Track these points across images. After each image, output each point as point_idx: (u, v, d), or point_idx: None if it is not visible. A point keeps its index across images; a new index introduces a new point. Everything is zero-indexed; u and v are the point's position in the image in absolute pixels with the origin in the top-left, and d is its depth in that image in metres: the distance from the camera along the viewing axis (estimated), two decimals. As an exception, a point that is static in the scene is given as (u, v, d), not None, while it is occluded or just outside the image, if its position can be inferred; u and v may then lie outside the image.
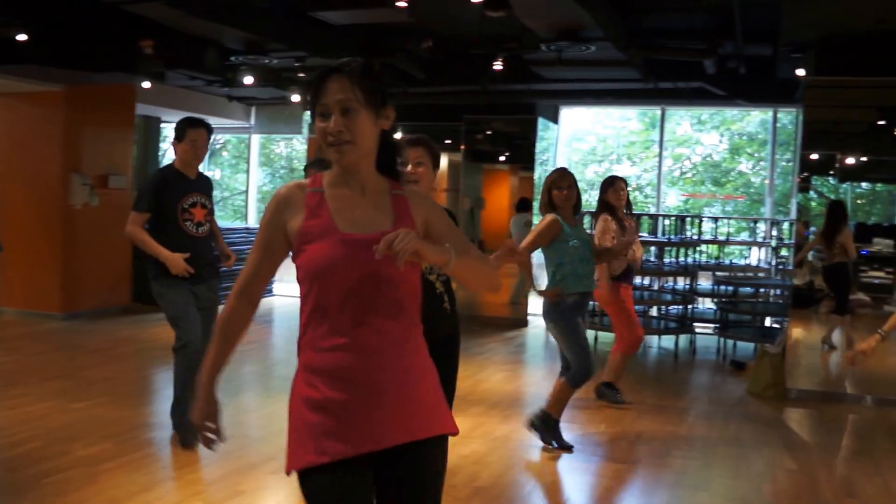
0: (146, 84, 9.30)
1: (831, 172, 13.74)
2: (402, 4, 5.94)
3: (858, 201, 16.23)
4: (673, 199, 15.14)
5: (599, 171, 14.35)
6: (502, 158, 11.69)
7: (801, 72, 7.64)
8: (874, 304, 11.68)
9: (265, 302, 12.01)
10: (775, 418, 6.69)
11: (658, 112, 11.87)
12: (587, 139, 14.48)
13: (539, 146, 11.52)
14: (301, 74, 8.95)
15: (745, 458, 5.46)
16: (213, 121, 13.03)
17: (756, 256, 11.04)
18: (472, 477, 4.95)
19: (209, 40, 7.88)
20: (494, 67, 8.01)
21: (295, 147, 16.58)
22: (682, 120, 14.28)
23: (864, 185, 15.45)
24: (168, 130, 12.84)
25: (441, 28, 7.75)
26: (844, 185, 15.24)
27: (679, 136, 14.46)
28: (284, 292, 12.95)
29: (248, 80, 8.70)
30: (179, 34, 7.79)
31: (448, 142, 11.53)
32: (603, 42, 7.26)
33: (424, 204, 2.26)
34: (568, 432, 5.62)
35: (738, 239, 11.12)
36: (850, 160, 12.25)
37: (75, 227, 9.68)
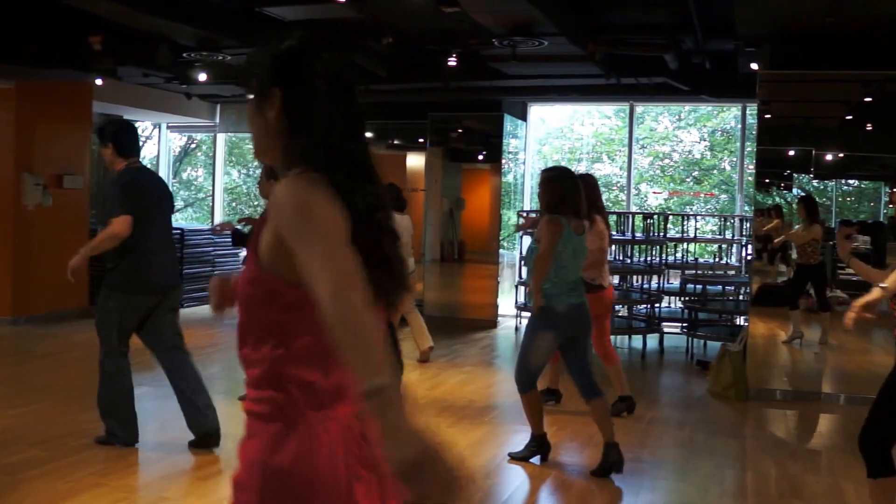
0: (98, 81, 9.32)
1: (812, 169, 13.86)
2: (341, 0, 5.96)
3: (848, 199, 16.32)
4: (654, 199, 15.20)
5: (579, 168, 14.39)
6: (480, 157, 11.68)
7: (755, 66, 7.70)
8: (851, 301, 11.75)
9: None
10: (733, 419, 6.74)
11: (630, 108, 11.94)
12: (567, 137, 14.52)
13: (512, 144, 11.56)
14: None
15: (694, 460, 5.49)
16: (175, 119, 13.19)
17: (737, 254, 11.10)
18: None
19: (160, 36, 7.89)
20: (449, 63, 8.04)
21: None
22: (660, 117, 14.34)
23: (852, 182, 15.54)
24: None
25: (398, 24, 7.78)
26: (830, 183, 15.32)
27: (659, 133, 14.52)
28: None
29: (202, 76, 8.72)
30: (130, 30, 7.80)
31: (420, 140, 11.58)
32: (559, 37, 7.29)
33: (277, 213, 1.68)
34: (516, 434, 5.68)
35: (709, 237, 11.17)
36: (829, 156, 12.32)
37: (27, 229, 9.64)
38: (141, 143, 5.46)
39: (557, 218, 5.05)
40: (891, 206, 9.02)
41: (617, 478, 5.06)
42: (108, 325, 5.15)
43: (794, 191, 14.46)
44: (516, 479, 5.09)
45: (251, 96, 1.82)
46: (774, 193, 14.12)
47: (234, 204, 18.07)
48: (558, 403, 6.79)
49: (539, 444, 5.34)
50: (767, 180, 13.61)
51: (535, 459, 5.35)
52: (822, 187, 14.93)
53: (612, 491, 4.88)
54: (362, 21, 7.49)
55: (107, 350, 5.20)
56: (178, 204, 17.29)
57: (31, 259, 9.63)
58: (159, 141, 14.21)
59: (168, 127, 14.12)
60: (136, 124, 13.95)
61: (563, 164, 14.79)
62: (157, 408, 6.07)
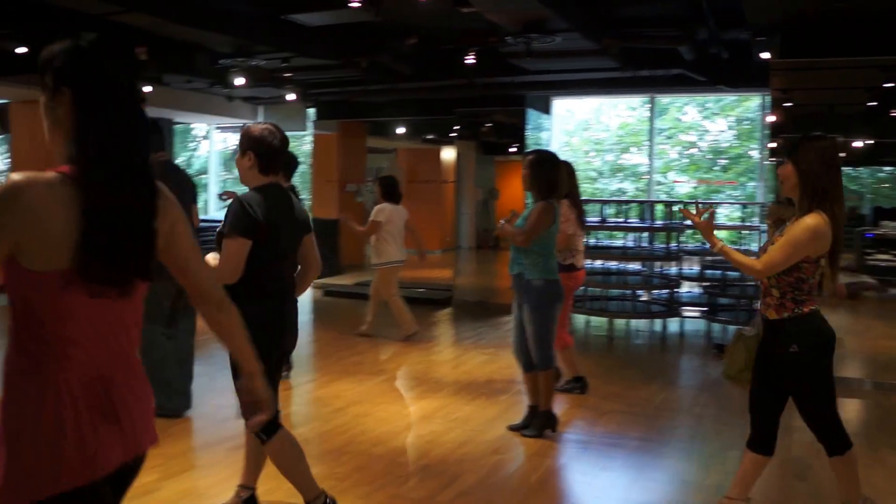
0: (147, 88, 9.77)
1: (842, 156, 13.76)
2: (355, 5, 6.23)
3: (884, 185, 16.12)
4: (684, 188, 15.18)
5: (609, 159, 14.51)
6: (512, 150, 11.91)
7: (766, 55, 7.74)
8: (881, 286, 11.68)
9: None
10: (745, 401, 6.67)
11: (658, 100, 12.03)
12: (593, 128, 14.62)
13: (537, 137, 11.77)
14: (288, 74, 9.37)
15: (701, 441, 5.54)
16: (221, 121, 13.66)
17: (758, 241, 11.12)
18: (421, 455, 5.16)
19: (199, 45, 8.29)
20: (468, 61, 8.27)
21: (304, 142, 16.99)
22: (686, 107, 14.34)
23: (887, 168, 15.34)
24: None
25: (417, 25, 8.02)
26: (862, 169, 15.15)
27: (685, 123, 14.52)
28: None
29: (240, 80, 9.09)
30: (171, 41, 8.22)
31: (453, 134, 11.86)
32: (571, 32, 7.47)
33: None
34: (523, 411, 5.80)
35: (729, 224, 11.19)
36: (857, 143, 12.26)
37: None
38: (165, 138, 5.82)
39: (552, 206, 5.23)
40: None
41: (621, 456, 5.17)
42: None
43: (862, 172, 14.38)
44: (523, 454, 5.20)
45: (43, 92, 1.93)
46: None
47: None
48: (583, 393, 6.73)
49: (548, 419, 5.51)
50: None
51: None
52: (854, 174, 14.81)
53: (617, 468, 4.96)
54: (385, 24, 7.76)
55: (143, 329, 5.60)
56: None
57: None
58: (209, 141, 14.74)
59: (216, 128, 14.62)
60: (191, 126, 14.56)
61: (592, 154, 14.98)
62: (206, 382, 6.32)
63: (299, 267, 3.98)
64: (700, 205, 4.40)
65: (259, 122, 3.89)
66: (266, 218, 3.59)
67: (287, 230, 3.75)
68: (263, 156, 3.73)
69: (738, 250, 3.96)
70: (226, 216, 3.63)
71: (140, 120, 1.95)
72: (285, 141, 3.84)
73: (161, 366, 5.57)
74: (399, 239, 8.60)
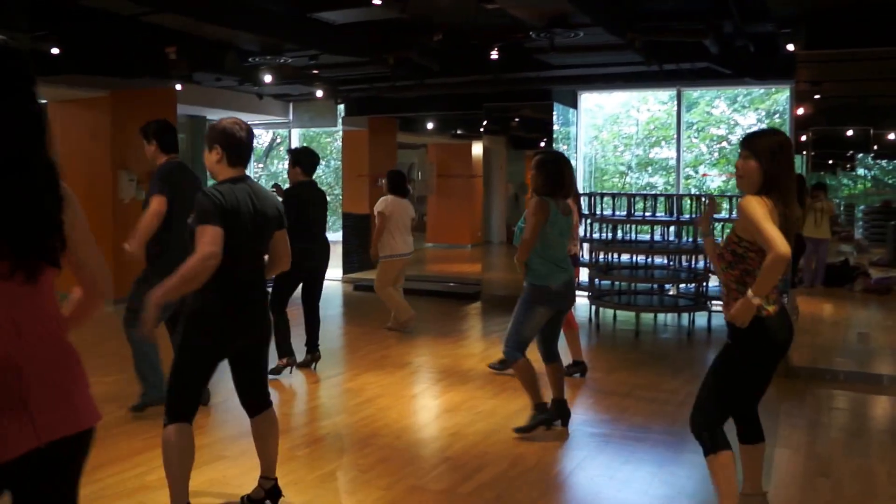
0: (178, 86, 9.92)
1: (874, 148, 13.48)
2: (378, 2, 6.25)
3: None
4: (715, 181, 15.03)
5: (638, 153, 14.42)
6: (542, 144, 11.87)
7: (790, 47, 7.63)
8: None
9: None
10: (770, 396, 6.54)
11: (687, 94, 11.93)
12: (622, 122, 14.53)
13: (566, 131, 11.73)
14: (316, 71, 9.43)
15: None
16: (251, 118, 13.77)
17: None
18: (444, 447, 5.18)
19: (227, 43, 8.38)
20: (492, 57, 8.27)
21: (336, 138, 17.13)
22: (716, 101, 14.18)
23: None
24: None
25: (443, 22, 8.02)
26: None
27: (715, 117, 14.37)
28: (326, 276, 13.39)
29: (268, 78, 9.18)
30: (201, 40, 8.31)
31: (482, 129, 11.85)
32: (594, 27, 7.42)
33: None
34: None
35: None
36: (892, 135, 12.05)
37: (124, 220, 10.33)
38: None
39: (546, 202, 5.17)
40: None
41: (643, 450, 5.15)
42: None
43: (860, 170, 14.11)
44: (546, 448, 5.18)
45: None
46: (840, 175, 13.80)
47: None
48: (583, 376, 6.95)
49: (540, 411, 5.39)
50: (831, 161, 13.31)
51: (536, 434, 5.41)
52: (890, 167, 14.54)
53: (638, 462, 4.94)
54: (411, 20, 7.77)
55: (132, 333, 5.68)
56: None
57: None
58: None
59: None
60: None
61: (621, 149, 14.90)
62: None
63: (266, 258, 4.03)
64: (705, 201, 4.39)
65: (225, 117, 3.92)
66: (230, 209, 3.63)
67: (251, 224, 3.75)
68: (230, 148, 3.77)
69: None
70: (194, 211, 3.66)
71: (34, 117, 2.03)
72: (251, 133, 3.88)
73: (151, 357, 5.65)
74: (403, 232, 8.66)
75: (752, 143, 3.50)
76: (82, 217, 2.16)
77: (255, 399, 4.06)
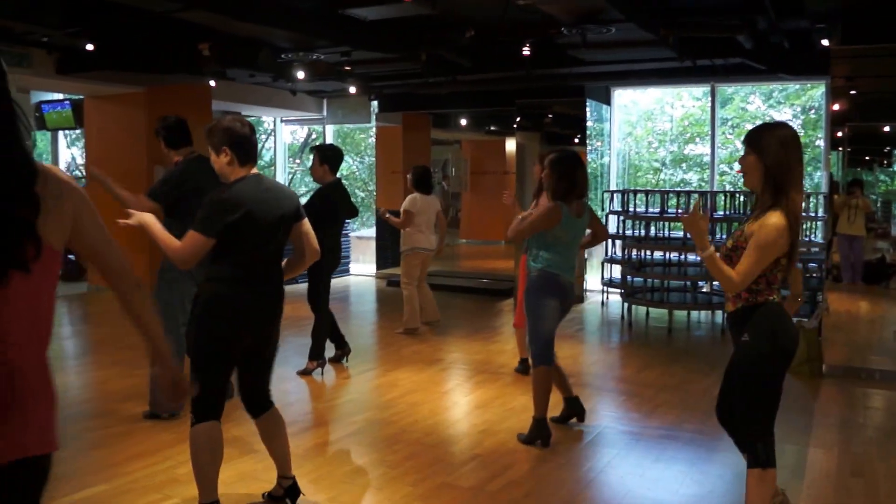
0: (212, 83, 9.98)
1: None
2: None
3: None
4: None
5: (673, 149, 14.25)
6: (576, 140, 11.79)
7: (826, 42, 7.49)
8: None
9: (342, 280, 12.72)
10: (803, 394, 6.52)
11: (722, 90, 11.77)
12: (657, 119, 14.38)
13: (600, 128, 11.63)
14: (347, 68, 9.45)
15: None
16: (286, 114, 13.84)
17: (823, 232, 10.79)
18: (474, 444, 5.16)
19: (260, 40, 8.41)
20: (524, 53, 8.21)
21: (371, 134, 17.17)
22: (751, 97, 13.98)
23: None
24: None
25: (473, 18, 7.98)
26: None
27: (750, 113, 14.16)
28: (359, 272, 13.52)
29: (300, 75, 9.21)
30: (234, 37, 8.35)
31: (515, 125, 11.80)
32: (626, 23, 7.34)
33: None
34: (585, 403, 5.69)
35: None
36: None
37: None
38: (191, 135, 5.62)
39: (559, 207, 5.08)
40: None
41: (674, 448, 5.09)
42: (169, 298, 5.49)
43: (896, 167, 13.81)
44: (576, 445, 5.16)
45: None
46: (878, 171, 13.52)
47: (350, 187, 18.69)
48: (525, 374, 6.70)
49: (540, 428, 5.15)
50: (868, 157, 13.04)
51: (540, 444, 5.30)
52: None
53: (669, 460, 4.89)
54: (442, 17, 7.75)
55: (170, 323, 5.70)
56: (300, 189, 18.06)
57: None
58: (275, 135, 14.97)
59: (282, 121, 14.83)
60: (261, 119, 14.78)
61: (655, 145, 14.75)
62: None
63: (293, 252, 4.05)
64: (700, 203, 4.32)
65: (225, 117, 3.88)
66: (243, 209, 3.61)
67: (265, 220, 3.72)
68: (238, 147, 3.74)
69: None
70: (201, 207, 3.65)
71: (5, 115, 1.87)
72: (253, 128, 3.85)
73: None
74: (428, 228, 8.66)
75: (751, 137, 3.44)
76: (96, 216, 2.08)
77: (257, 400, 4.04)
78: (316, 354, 6.99)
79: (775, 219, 3.29)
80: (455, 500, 4.29)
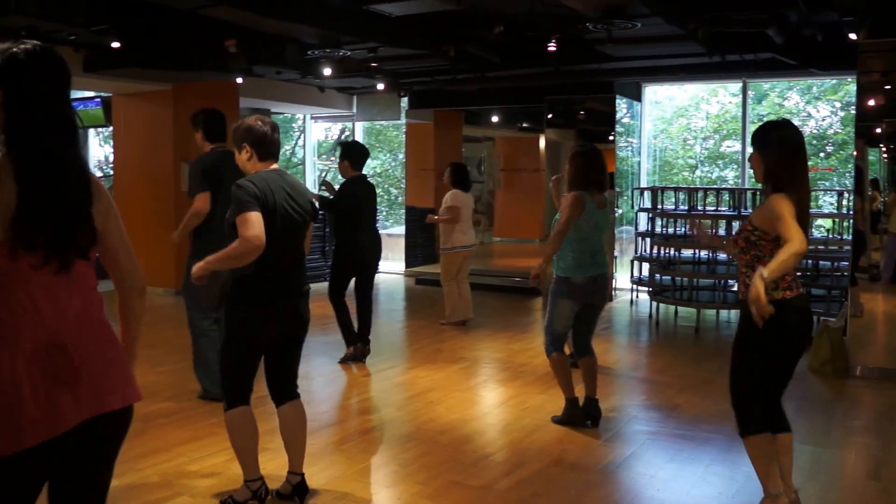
0: (239, 80, 10.09)
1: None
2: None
3: None
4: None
5: (708, 146, 14.07)
6: (610, 137, 11.72)
7: (853, 36, 7.35)
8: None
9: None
10: (826, 395, 6.47)
11: (758, 85, 11.60)
12: (691, 115, 14.22)
13: (631, 125, 11.56)
14: (375, 64, 9.49)
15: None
16: (315, 110, 13.93)
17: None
18: (487, 442, 5.19)
19: (286, 37, 8.48)
20: (550, 49, 8.17)
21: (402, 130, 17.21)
22: (788, 92, 13.74)
23: None
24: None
25: (499, 13, 7.96)
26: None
27: (787, 109, 13.93)
28: (388, 269, 13.55)
29: (328, 71, 9.27)
30: (260, 33, 8.44)
31: (546, 122, 11.75)
32: (652, 18, 7.27)
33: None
34: (605, 402, 5.73)
35: (819, 212, 10.65)
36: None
37: (186, 211, 10.55)
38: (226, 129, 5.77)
39: (582, 196, 5.20)
40: None
41: (689, 449, 5.08)
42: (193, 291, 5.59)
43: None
44: (589, 445, 5.14)
45: None
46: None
47: (383, 184, 18.69)
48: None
49: (572, 407, 5.47)
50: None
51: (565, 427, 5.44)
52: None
53: (683, 461, 4.87)
54: (468, 12, 7.75)
55: (194, 315, 5.81)
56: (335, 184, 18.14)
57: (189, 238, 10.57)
58: (304, 131, 15.07)
59: (312, 118, 14.92)
60: (295, 116, 14.88)
61: (690, 142, 14.57)
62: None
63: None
64: (698, 222, 4.55)
65: (250, 116, 4.02)
66: (264, 199, 3.72)
67: (285, 214, 3.83)
68: (257, 144, 3.88)
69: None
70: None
71: (68, 120, 2.17)
72: (275, 127, 3.97)
73: (207, 352, 5.73)
74: (465, 226, 8.70)
75: (756, 135, 3.68)
76: (118, 219, 2.29)
77: (282, 388, 4.14)
78: (352, 340, 7.24)
79: (775, 196, 3.49)
80: (463, 498, 4.31)
